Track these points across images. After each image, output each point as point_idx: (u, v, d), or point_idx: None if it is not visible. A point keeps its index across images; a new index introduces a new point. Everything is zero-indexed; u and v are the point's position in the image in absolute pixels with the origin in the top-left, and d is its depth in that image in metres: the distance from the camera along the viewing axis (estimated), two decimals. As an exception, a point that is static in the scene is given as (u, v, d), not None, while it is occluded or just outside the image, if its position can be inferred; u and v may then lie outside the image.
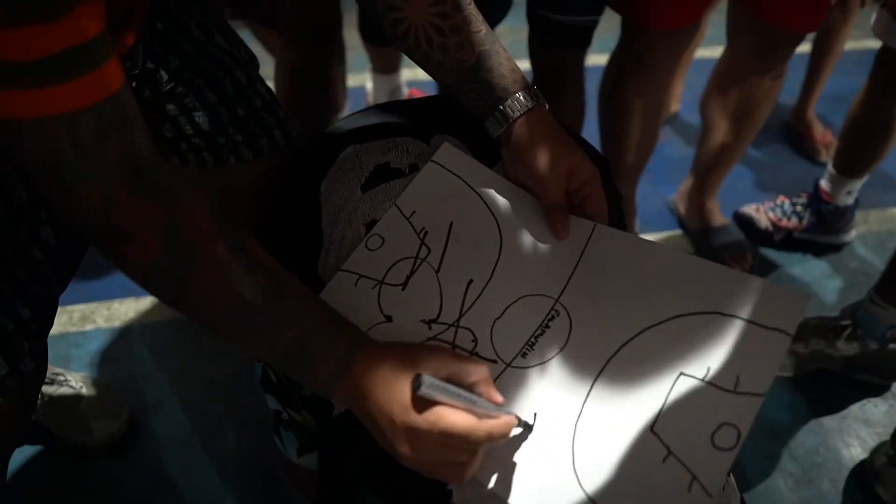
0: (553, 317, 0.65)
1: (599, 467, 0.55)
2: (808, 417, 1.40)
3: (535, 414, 0.59)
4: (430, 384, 0.52)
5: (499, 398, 0.57)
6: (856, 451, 1.33)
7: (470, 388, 0.56)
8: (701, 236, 1.76)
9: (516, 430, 0.59)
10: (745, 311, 0.59)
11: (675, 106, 2.20)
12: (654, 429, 0.56)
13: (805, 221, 1.76)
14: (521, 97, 0.69)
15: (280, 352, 0.59)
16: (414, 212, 0.71)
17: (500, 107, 0.69)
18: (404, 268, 0.69)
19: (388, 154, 0.75)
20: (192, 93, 0.84)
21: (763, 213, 1.79)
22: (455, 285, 0.67)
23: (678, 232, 1.83)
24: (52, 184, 0.52)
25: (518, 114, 0.69)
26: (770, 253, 1.77)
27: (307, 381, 0.62)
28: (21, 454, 1.28)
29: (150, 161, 0.54)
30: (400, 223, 0.70)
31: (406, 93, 2.11)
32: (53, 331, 1.47)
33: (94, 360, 1.45)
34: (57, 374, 1.31)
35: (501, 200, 0.72)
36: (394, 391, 0.55)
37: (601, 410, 0.58)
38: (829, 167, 1.71)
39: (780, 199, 1.81)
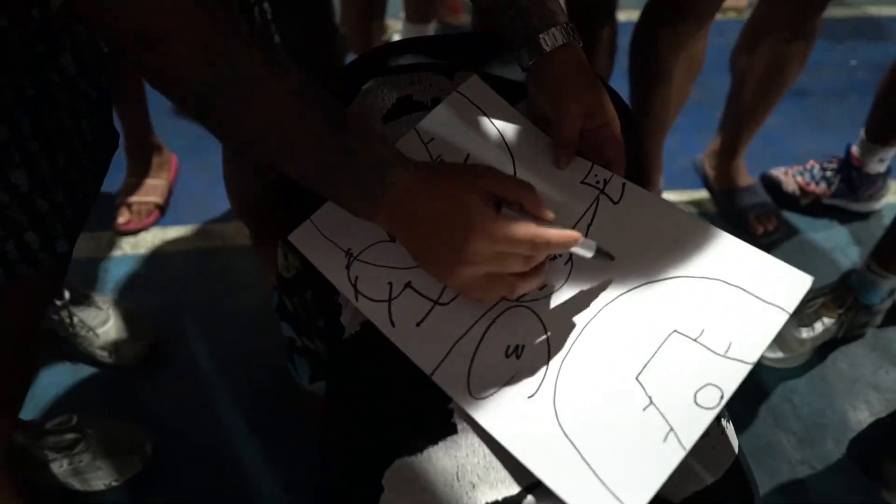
0: (554, 257, 0.66)
1: (579, 406, 0.56)
2: (817, 379, 1.41)
3: (521, 346, 0.61)
4: (507, 210, 0.56)
5: (549, 215, 0.58)
6: (862, 414, 1.34)
7: (520, 206, 0.57)
8: (726, 196, 1.75)
9: (586, 253, 0.60)
10: (748, 284, 0.60)
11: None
12: (638, 377, 0.57)
13: (833, 187, 1.73)
14: (558, 31, 0.69)
15: (321, 166, 0.59)
16: (432, 139, 0.72)
17: (537, 38, 0.69)
18: None
19: (410, 87, 0.76)
20: None
21: (791, 176, 1.77)
22: None
23: (703, 192, 1.82)
24: None
25: (552, 47, 0.68)
26: (795, 217, 1.75)
27: (348, 200, 0.60)
28: (51, 369, 1.35)
29: None
30: (417, 147, 0.71)
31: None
32: (83, 255, 1.54)
33: (122, 286, 1.51)
34: (85, 296, 1.36)
35: (520, 139, 0.72)
36: (451, 208, 0.56)
37: (589, 352, 0.59)
38: (862, 133, 1.67)
39: (811, 163, 1.78)
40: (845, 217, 1.76)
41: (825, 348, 1.45)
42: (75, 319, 1.33)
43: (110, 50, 0.72)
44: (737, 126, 1.67)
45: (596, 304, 0.62)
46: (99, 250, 1.57)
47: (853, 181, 1.71)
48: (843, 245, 1.70)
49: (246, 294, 1.50)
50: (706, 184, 1.82)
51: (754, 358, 0.56)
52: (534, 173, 0.71)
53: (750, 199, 1.71)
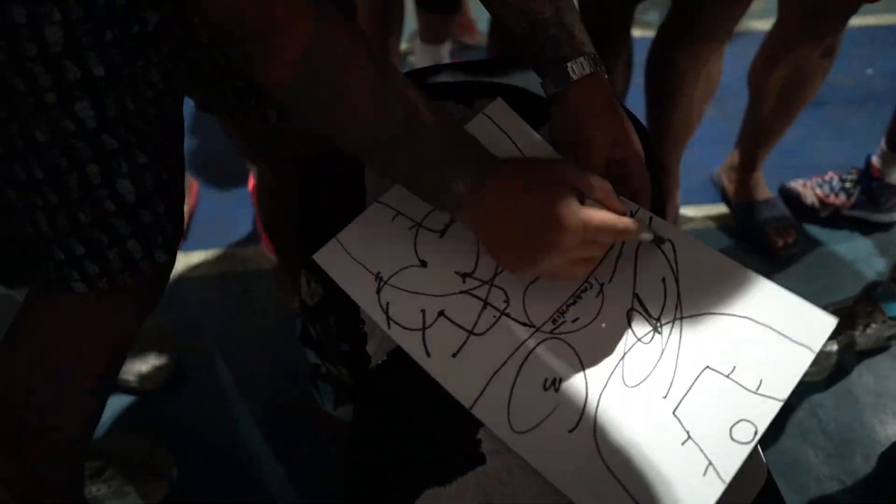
0: (586, 289, 0.66)
1: (619, 440, 0.57)
2: (843, 393, 1.39)
3: (559, 379, 0.61)
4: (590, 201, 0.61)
5: (621, 206, 0.63)
6: (892, 428, 1.32)
7: (595, 199, 0.62)
8: (744, 210, 1.74)
9: (648, 236, 0.65)
10: (776, 323, 0.61)
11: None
12: (675, 412, 0.58)
13: (853, 198, 1.72)
14: (586, 61, 0.70)
15: (408, 164, 0.61)
16: None
17: (565, 65, 0.70)
18: (443, 216, 0.69)
19: None
20: None
21: (810, 188, 1.76)
22: None
23: (721, 206, 1.81)
24: None
25: (579, 76, 0.70)
26: (815, 230, 1.74)
27: (433, 198, 0.63)
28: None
29: None
30: None
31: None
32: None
33: (145, 310, 1.52)
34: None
35: None
36: (543, 205, 0.59)
37: (626, 386, 0.60)
38: (882, 143, 1.66)
39: (830, 175, 1.77)
40: (866, 228, 1.74)
41: (850, 362, 1.43)
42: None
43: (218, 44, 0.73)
44: (755, 140, 1.66)
45: (629, 338, 0.63)
46: (122, 275, 1.59)
47: (873, 192, 1.70)
48: (865, 256, 1.68)
49: (267, 316, 1.51)
50: (724, 197, 1.81)
51: (785, 395, 0.57)
52: None
53: (769, 213, 1.70)
